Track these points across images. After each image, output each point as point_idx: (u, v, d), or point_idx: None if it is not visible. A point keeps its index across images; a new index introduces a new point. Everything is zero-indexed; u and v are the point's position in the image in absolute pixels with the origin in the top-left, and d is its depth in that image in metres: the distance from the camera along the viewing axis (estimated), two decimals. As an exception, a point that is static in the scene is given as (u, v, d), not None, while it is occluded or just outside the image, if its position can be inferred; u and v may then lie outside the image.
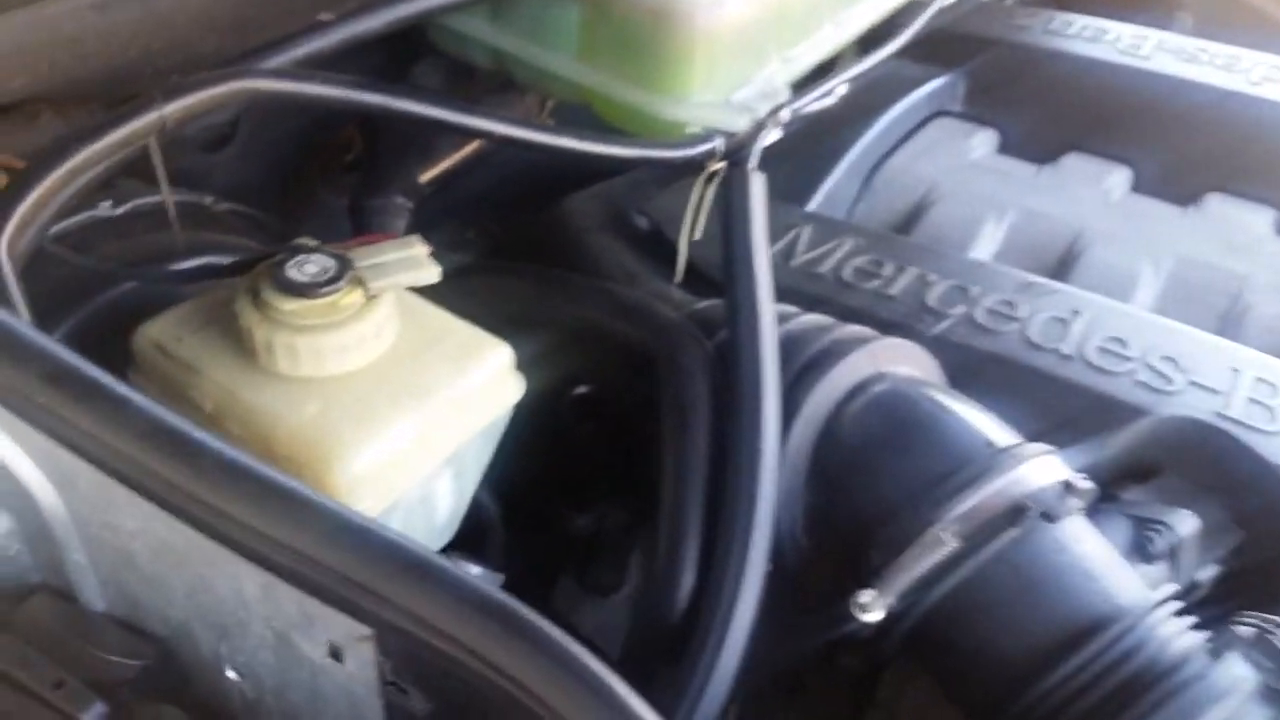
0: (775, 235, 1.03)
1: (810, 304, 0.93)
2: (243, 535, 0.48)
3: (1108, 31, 1.43)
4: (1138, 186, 1.31)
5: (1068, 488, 0.73)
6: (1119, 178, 1.29)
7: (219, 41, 0.75)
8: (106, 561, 0.59)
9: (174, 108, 0.70)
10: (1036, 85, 1.41)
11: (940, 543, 0.70)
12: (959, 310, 0.94)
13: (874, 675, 0.81)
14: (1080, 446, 0.83)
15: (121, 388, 0.49)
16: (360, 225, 1.01)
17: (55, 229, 0.82)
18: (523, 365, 0.76)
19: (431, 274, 0.73)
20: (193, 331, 0.72)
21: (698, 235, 0.98)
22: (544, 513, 0.96)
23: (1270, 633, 0.66)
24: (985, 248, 1.16)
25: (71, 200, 0.72)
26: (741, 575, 0.70)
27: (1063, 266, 1.13)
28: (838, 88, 1.04)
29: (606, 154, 0.89)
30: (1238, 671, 0.65)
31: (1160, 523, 0.77)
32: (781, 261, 1.02)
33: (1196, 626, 0.69)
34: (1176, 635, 0.67)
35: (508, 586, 0.83)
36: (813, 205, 1.18)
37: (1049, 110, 1.38)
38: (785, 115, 0.96)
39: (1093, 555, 0.72)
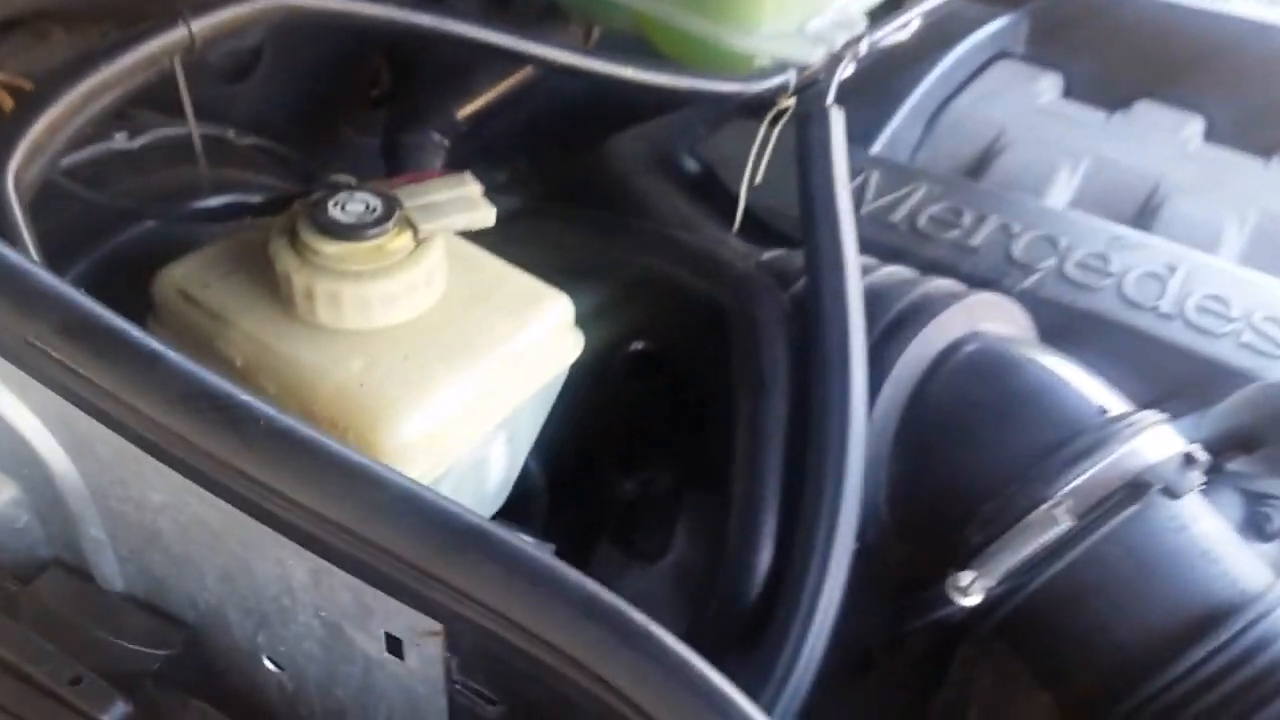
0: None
1: (884, 255, 0.86)
2: (294, 515, 0.41)
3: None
4: (1211, 136, 1.22)
5: (1188, 460, 0.66)
6: (1194, 127, 1.21)
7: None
8: (127, 538, 0.52)
9: (202, 25, 0.62)
10: (1103, 27, 1.32)
11: (1053, 521, 0.63)
12: (1048, 263, 0.87)
13: (946, 652, 0.74)
14: (1183, 415, 0.76)
15: (152, 342, 0.42)
16: (395, 164, 0.93)
17: (66, 163, 0.74)
18: (580, 319, 0.69)
19: (487, 216, 0.65)
20: (221, 276, 0.65)
21: (759, 180, 0.91)
22: (588, 475, 0.89)
23: None
24: (1059, 196, 1.08)
25: (85, 128, 0.64)
26: (828, 556, 0.64)
27: (1142, 218, 1.05)
28: (915, 18, 0.95)
29: (670, 86, 0.81)
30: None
31: (1276, 498, 0.70)
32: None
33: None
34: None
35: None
36: (875, 149, 1.10)
37: (1117, 54, 1.30)
38: (863, 47, 0.87)
39: (1212, 534, 0.65)
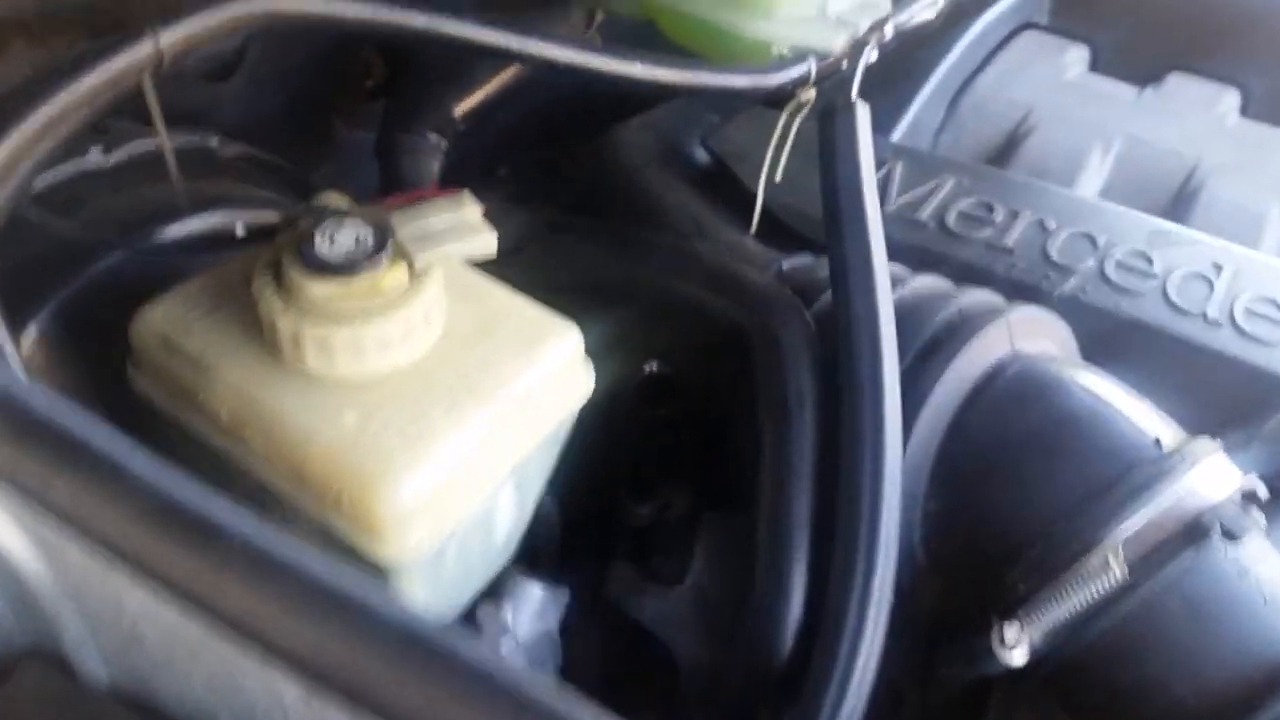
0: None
1: (912, 256, 0.80)
2: (277, 636, 0.36)
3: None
4: (1247, 110, 1.16)
5: (1249, 497, 0.61)
6: (1230, 101, 1.15)
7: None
8: (108, 639, 0.47)
9: (171, 38, 0.56)
10: (1132, -4, 1.26)
11: (1106, 570, 0.58)
12: (1087, 264, 0.82)
13: (981, 694, 0.70)
14: (1236, 435, 0.71)
15: (118, 443, 0.37)
16: (389, 168, 0.88)
17: (37, 184, 0.69)
18: (591, 346, 0.64)
19: (489, 243, 0.60)
20: (202, 316, 0.59)
21: (778, 178, 0.85)
22: (602, 503, 0.85)
23: None
24: (1092, 182, 1.03)
25: (51, 155, 0.59)
26: (865, 608, 0.59)
27: (1180, 204, 1.00)
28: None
29: (681, 83, 0.75)
30: None
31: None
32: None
33: None
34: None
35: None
36: (896, 136, 1.04)
37: (1146, 23, 1.24)
38: (888, 32, 0.82)
39: (1276, 579, 0.61)
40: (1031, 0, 1.25)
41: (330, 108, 1.02)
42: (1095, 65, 1.23)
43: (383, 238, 0.58)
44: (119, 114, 0.77)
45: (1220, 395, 0.74)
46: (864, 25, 0.81)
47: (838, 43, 0.80)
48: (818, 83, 0.80)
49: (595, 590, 0.81)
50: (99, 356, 0.63)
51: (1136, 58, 1.21)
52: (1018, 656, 0.59)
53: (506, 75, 0.96)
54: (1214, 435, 0.67)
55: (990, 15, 1.18)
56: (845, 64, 0.82)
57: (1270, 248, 0.95)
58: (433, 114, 0.89)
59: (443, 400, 0.57)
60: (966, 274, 0.78)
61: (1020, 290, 0.78)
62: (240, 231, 0.65)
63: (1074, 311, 0.77)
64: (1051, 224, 0.86)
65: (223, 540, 0.35)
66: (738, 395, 0.72)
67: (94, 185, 0.73)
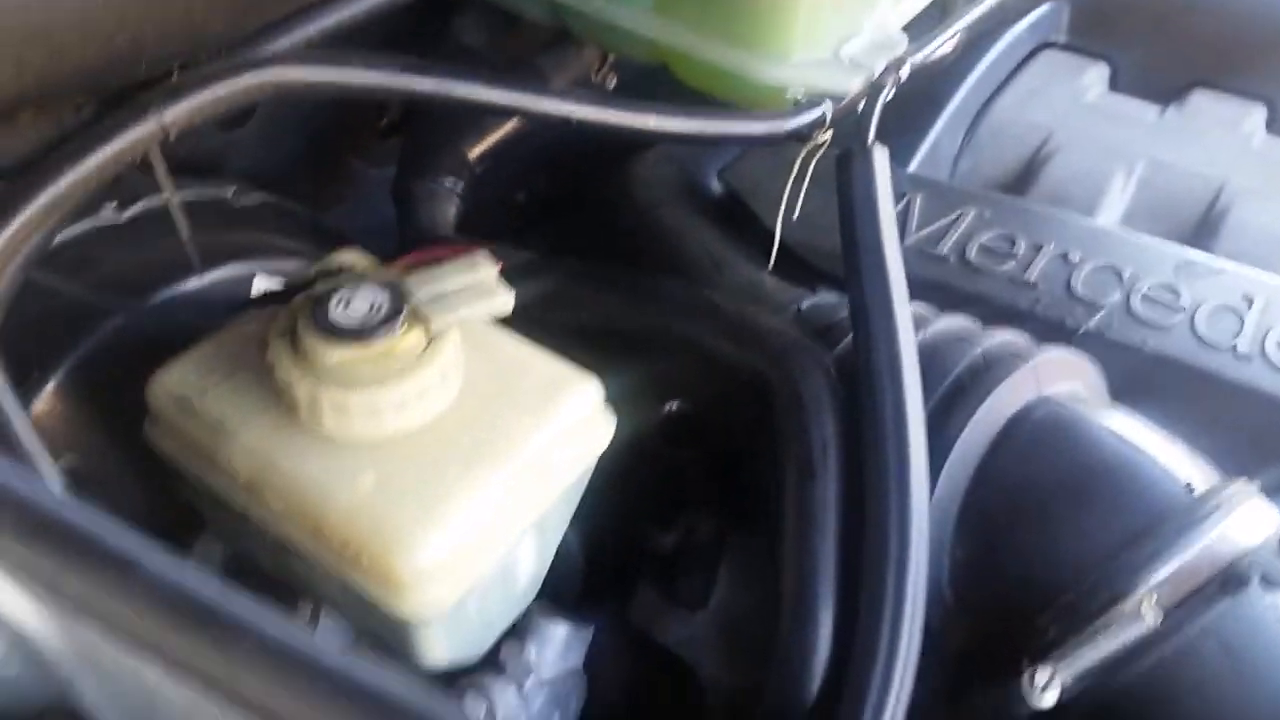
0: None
1: (933, 291, 0.80)
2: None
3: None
4: (1273, 126, 1.15)
5: (1282, 540, 0.60)
6: (1256, 118, 1.14)
7: (225, 19, 0.61)
8: (129, 704, 0.47)
9: (176, 112, 0.56)
10: (1151, 10, 1.24)
11: (1139, 616, 0.57)
12: (1113, 298, 0.80)
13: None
14: (1273, 474, 0.69)
15: (127, 540, 0.37)
16: (406, 215, 0.87)
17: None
18: (612, 391, 0.63)
19: (504, 304, 0.60)
20: (220, 380, 0.59)
21: (794, 217, 0.84)
22: (623, 537, 0.84)
23: None
24: (1114, 207, 1.01)
25: (58, 228, 0.59)
26: (893, 659, 0.58)
27: (1205, 229, 0.98)
28: (960, 31, 0.88)
29: (694, 133, 0.74)
30: None
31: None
32: (890, 240, 0.87)
33: None
34: None
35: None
36: (914, 165, 1.03)
37: (1167, 40, 1.22)
38: (904, 73, 0.81)
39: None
40: (1049, 19, 1.24)
41: (346, 147, 1.02)
42: (1115, 84, 1.22)
43: (398, 302, 0.57)
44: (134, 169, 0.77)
45: (1254, 432, 0.73)
46: (879, 66, 0.79)
47: (853, 85, 0.79)
48: (833, 125, 0.79)
49: (620, 617, 0.81)
50: (116, 413, 0.63)
51: (1158, 75, 1.20)
52: (1048, 699, 0.58)
53: (520, 118, 0.95)
54: (1249, 474, 0.66)
55: (1008, 37, 1.17)
56: (861, 106, 0.81)
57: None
58: (448, 159, 0.89)
59: (460, 460, 0.57)
60: (989, 310, 0.77)
61: (1045, 326, 0.77)
62: (257, 290, 0.65)
63: (1100, 348, 0.76)
64: (1075, 256, 0.84)
65: (241, 639, 0.35)
66: (759, 436, 0.71)
67: (109, 241, 0.73)
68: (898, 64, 0.80)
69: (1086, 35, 1.25)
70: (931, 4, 0.91)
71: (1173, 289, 0.81)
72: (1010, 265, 0.84)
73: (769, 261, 0.87)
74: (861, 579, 0.61)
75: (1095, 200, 1.01)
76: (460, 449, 0.57)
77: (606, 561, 0.82)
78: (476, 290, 0.59)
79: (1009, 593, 0.63)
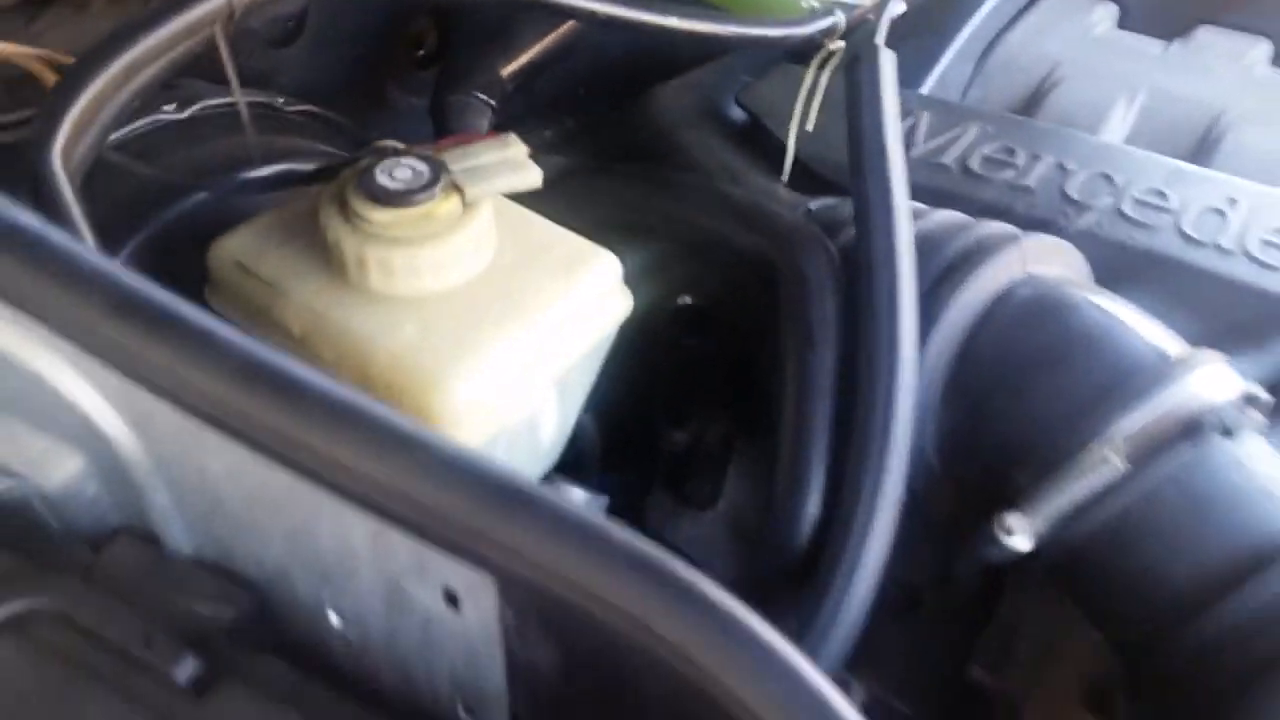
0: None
1: (936, 199, 0.85)
2: (350, 481, 0.42)
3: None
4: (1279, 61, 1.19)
5: (1248, 400, 0.65)
6: (1260, 52, 1.18)
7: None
8: (193, 505, 0.53)
9: (239, -1, 0.62)
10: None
11: (1105, 463, 0.62)
12: (1104, 201, 0.85)
13: (995, 592, 0.74)
14: (1247, 353, 0.74)
15: (205, 317, 0.43)
16: (441, 126, 0.94)
17: (116, 137, 0.76)
18: (629, 277, 0.69)
19: (534, 178, 0.66)
20: (275, 246, 0.66)
21: (809, 127, 0.90)
22: (640, 428, 0.90)
23: None
24: (1116, 132, 1.06)
25: (132, 102, 0.65)
26: (876, 503, 0.64)
27: (1202, 151, 1.03)
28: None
29: (715, 34, 0.80)
30: None
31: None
32: (900, 152, 0.93)
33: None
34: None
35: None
36: (924, 90, 1.08)
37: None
38: (909, -16, 0.86)
39: (1272, 473, 0.64)
40: (1061, -38, 1.28)
41: (386, 74, 1.08)
42: (1124, 22, 1.26)
43: (437, 172, 0.63)
44: (189, 74, 0.84)
45: (1231, 319, 0.77)
46: (888, -29, 0.85)
47: (861, -10, 0.84)
48: (846, 34, 0.85)
49: (633, 517, 0.87)
50: (178, 283, 0.69)
51: (1164, 13, 1.24)
52: (1021, 543, 0.63)
53: (550, 39, 1.01)
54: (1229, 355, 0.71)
55: (1019, -28, 1.22)
56: (873, 15, 0.86)
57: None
58: (481, 76, 0.95)
59: (493, 316, 0.63)
60: (987, 212, 0.82)
61: (1038, 226, 0.81)
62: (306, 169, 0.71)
63: (1090, 245, 0.81)
64: (1071, 165, 0.89)
65: (304, 394, 0.41)
66: (768, 327, 0.76)
67: (169, 137, 0.79)
68: (904, -22, 0.85)
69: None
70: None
71: (1162, 194, 0.86)
72: (1009, 173, 0.89)
73: (782, 174, 0.92)
74: (852, 439, 0.67)
75: (1098, 124, 1.06)
76: (491, 308, 0.63)
77: (623, 449, 0.88)
78: (508, 165, 0.65)
79: (989, 456, 0.69)
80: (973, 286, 0.70)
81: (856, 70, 0.79)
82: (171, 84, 0.82)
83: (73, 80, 0.59)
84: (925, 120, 0.96)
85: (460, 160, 0.65)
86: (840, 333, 0.71)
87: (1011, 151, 0.91)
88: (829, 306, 0.71)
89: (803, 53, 0.86)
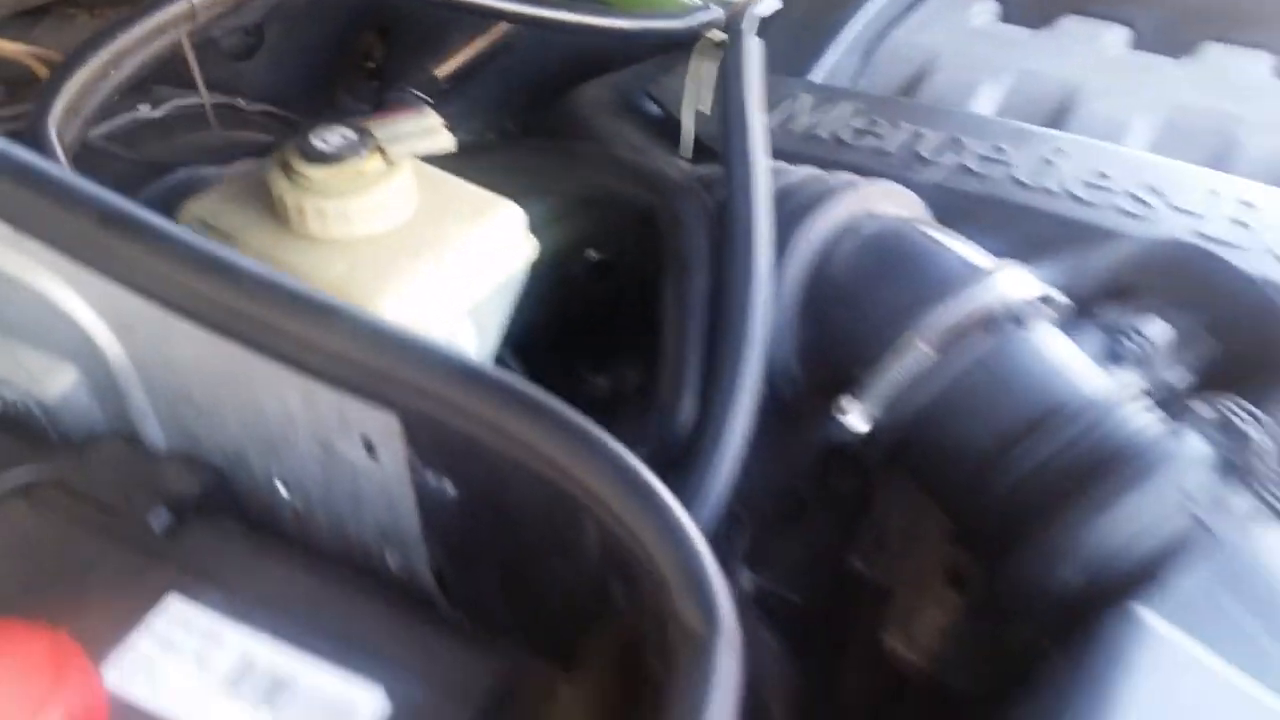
0: (777, 104, 1.09)
1: (811, 164, 0.98)
2: (281, 342, 0.56)
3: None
4: (1139, 44, 1.33)
5: (1041, 299, 0.79)
6: (1116, 36, 1.32)
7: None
8: (165, 400, 0.67)
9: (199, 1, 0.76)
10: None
11: (914, 348, 0.76)
12: (951, 159, 0.99)
13: (868, 496, 0.87)
14: (1062, 269, 0.88)
15: (171, 225, 0.57)
16: (382, 118, 1.08)
17: (102, 130, 0.90)
18: (536, 228, 0.83)
19: (446, 141, 0.80)
20: (231, 205, 0.79)
21: (703, 108, 1.03)
22: (565, 374, 1.03)
23: (1231, 413, 0.72)
24: (983, 108, 1.20)
25: (113, 94, 0.79)
26: (737, 393, 0.76)
27: (1057, 120, 1.17)
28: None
29: (608, 27, 0.94)
30: (1194, 445, 0.70)
31: (1132, 329, 0.82)
32: (783, 128, 1.07)
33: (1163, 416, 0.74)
34: (1136, 416, 0.72)
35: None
36: (815, 79, 1.22)
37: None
38: (777, -19, 1.00)
39: (1064, 356, 0.78)
40: (944, -34, 1.43)
41: (337, 84, 1.22)
42: (1005, 18, 1.41)
43: (363, 138, 0.77)
44: (165, 82, 0.98)
45: (1053, 247, 0.91)
46: (760, -21, 1.00)
47: (739, -7, 0.99)
48: (725, 27, 0.99)
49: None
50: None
51: (1040, 8, 1.39)
52: (856, 422, 0.76)
53: (479, 43, 1.16)
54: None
55: (904, -21, 1.36)
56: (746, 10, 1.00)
57: (1133, 147, 1.12)
58: (416, 75, 1.09)
59: (412, 254, 0.76)
60: (851, 172, 0.96)
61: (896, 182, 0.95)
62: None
63: (937, 194, 0.94)
64: (926, 132, 1.03)
65: (245, 276, 0.55)
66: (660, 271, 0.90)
67: (146, 131, 0.93)
68: (772, -23, 1.00)
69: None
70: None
71: (1001, 149, 1.00)
72: (873, 140, 1.03)
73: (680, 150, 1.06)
74: (720, 349, 0.80)
75: (966, 103, 1.20)
76: (411, 247, 0.77)
77: (551, 393, 1.01)
78: (425, 132, 0.79)
79: (837, 360, 0.82)
80: (818, 222, 0.84)
81: (728, 54, 0.94)
82: (147, 88, 0.97)
83: (64, 69, 0.73)
84: (807, 101, 1.10)
85: (384, 129, 0.79)
86: (712, 265, 0.84)
87: (876, 123, 1.05)
88: (701, 240, 0.84)
89: (689, 44, 1.01)
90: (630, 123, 1.17)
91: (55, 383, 0.69)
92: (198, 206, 0.79)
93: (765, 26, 1.04)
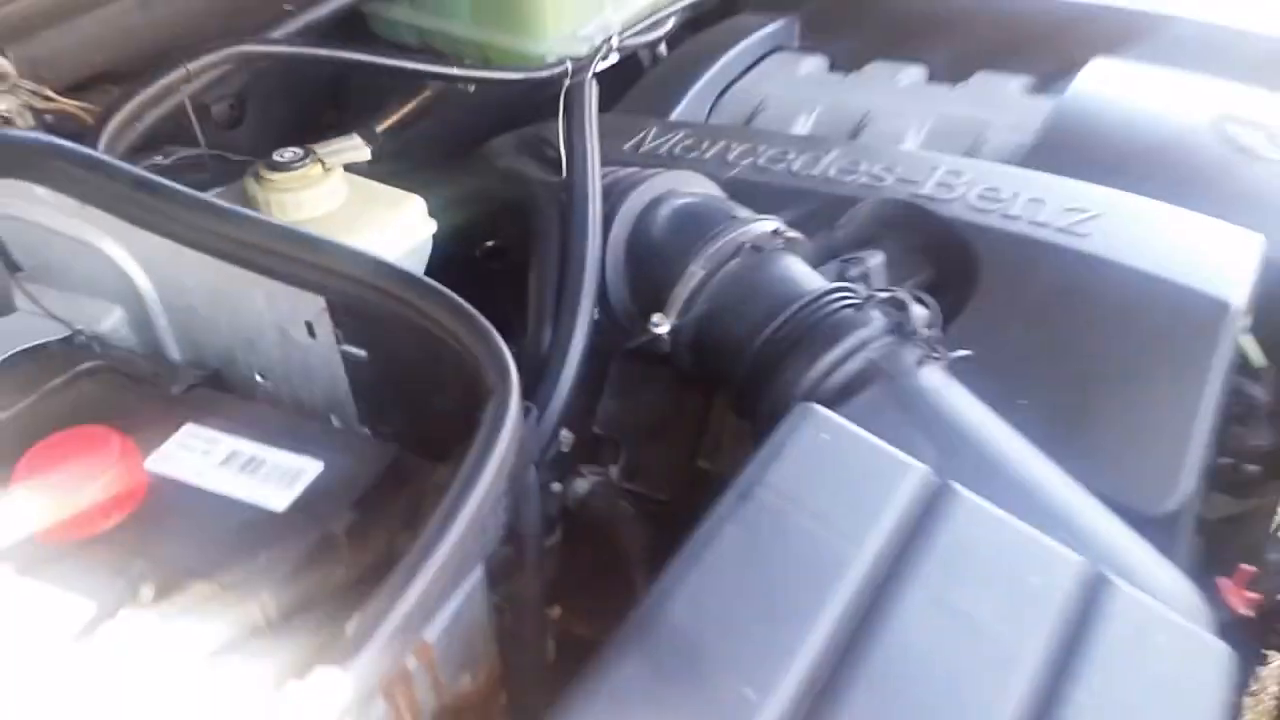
0: (630, 135, 1.45)
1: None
2: (252, 254, 0.90)
3: (907, -30, 1.85)
4: (932, 78, 1.71)
5: (775, 233, 1.14)
6: (913, 73, 1.70)
7: (222, 27, 1.20)
8: (179, 317, 1.02)
9: (193, 66, 1.14)
10: (856, 16, 1.82)
11: (694, 274, 1.11)
12: (748, 161, 1.36)
13: (707, 414, 1.20)
14: (823, 232, 1.24)
15: (178, 186, 0.92)
16: (334, 160, 1.45)
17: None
18: (435, 213, 1.19)
19: (364, 153, 1.16)
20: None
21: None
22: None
23: (902, 297, 1.06)
24: (798, 132, 1.56)
25: (135, 139, 1.16)
26: (576, 315, 1.11)
27: (854, 135, 1.53)
28: (658, 23, 1.47)
29: (494, 78, 1.32)
30: (874, 317, 1.05)
31: (856, 258, 1.17)
32: (633, 150, 1.43)
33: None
34: (836, 303, 1.07)
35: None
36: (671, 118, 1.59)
37: (865, 34, 1.79)
38: (614, 43, 1.38)
39: (792, 271, 1.12)
40: (783, 30, 1.81)
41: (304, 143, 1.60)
42: (833, 67, 1.78)
43: (307, 153, 1.14)
44: (172, 140, 1.35)
45: (821, 217, 1.26)
46: (599, 40, 1.38)
47: (581, 50, 1.37)
48: (574, 75, 1.36)
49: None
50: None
51: (859, 57, 1.76)
52: (663, 330, 1.11)
53: (411, 106, 1.53)
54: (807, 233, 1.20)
55: (745, 42, 1.74)
56: (589, 63, 1.38)
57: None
58: (360, 128, 1.46)
59: (343, 229, 1.12)
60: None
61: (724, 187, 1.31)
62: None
63: (734, 187, 1.30)
64: (733, 145, 1.39)
65: (229, 213, 0.90)
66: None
67: (159, 174, 1.30)
68: (608, 40, 1.38)
69: (812, 39, 1.82)
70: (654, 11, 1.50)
71: (785, 153, 1.36)
72: (695, 154, 1.39)
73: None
74: (563, 291, 1.15)
75: (786, 129, 1.56)
76: (341, 225, 1.13)
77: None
78: (351, 149, 1.17)
79: (653, 291, 1.17)
80: (633, 198, 1.20)
81: (571, 93, 1.31)
82: (157, 146, 1.34)
83: (104, 114, 1.10)
84: (653, 131, 1.47)
85: (322, 147, 1.16)
86: (560, 236, 1.19)
87: (700, 143, 1.42)
88: (553, 219, 1.20)
89: (547, 90, 1.38)
90: (530, 160, 1.54)
91: (107, 320, 1.04)
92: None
93: (637, 81, 1.43)
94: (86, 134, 1.10)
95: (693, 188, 1.26)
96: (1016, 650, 0.81)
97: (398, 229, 1.15)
